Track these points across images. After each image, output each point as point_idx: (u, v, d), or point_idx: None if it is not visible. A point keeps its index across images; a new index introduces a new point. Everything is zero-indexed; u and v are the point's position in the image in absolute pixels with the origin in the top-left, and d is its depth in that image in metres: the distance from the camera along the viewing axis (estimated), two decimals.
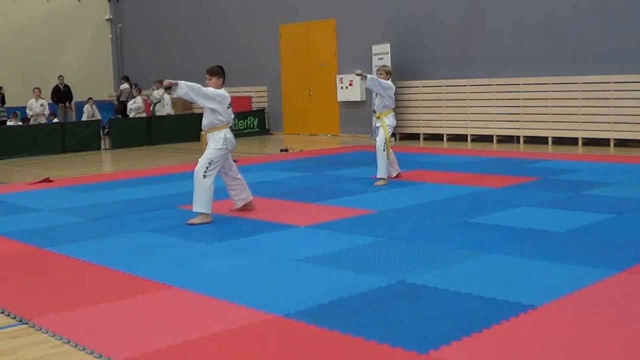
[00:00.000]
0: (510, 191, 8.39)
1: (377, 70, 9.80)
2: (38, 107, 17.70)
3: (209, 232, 6.75)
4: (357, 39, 17.18)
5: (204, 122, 7.32)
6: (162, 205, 8.38)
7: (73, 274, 5.45)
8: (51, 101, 20.77)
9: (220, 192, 7.76)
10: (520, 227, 6.38)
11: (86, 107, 20.91)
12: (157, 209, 8.18)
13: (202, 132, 7.40)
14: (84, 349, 3.83)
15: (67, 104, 21.14)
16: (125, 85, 21.34)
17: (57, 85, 21.30)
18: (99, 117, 19.69)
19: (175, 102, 20.57)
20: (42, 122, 17.26)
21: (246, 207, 7.71)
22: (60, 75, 21.56)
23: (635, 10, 12.83)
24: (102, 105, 21.41)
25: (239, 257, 5.75)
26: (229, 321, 4.15)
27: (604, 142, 13.09)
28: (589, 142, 13.39)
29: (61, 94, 21.19)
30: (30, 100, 18.02)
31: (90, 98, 20.80)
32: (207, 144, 7.30)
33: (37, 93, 17.93)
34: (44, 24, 23.06)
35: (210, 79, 7.33)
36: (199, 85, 7.16)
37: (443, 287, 4.66)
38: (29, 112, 17.92)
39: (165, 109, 19.25)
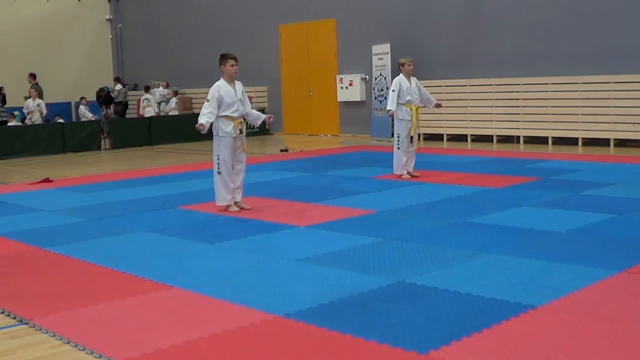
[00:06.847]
0: (510, 191, 8.39)
1: (407, 60, 9.83)
2: (34, 107, 17.68)
3: (209, 232, 6.75)
4: (357, 39, 17.18)
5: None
6: (162, 205, 8.38)
7: (73, 274, 5.44)
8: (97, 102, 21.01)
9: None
10: (520, 227, 6.38)
11: (80, 108, 20.91)
12: (157, 209, 8.18)
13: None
14: (84, 349, 3.83)
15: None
16: (119, 86, 21.37)
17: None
18: (89, 118, 19.71)
19: (185, 100, 20.73)
20: (37, 120, 17.20)
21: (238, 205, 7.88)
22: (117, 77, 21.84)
23: (635, 10, 12.83)
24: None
25: (239, 257, 5.75)
26: (228, 321, 4.15)
27: (604, 142, 13.09)
28: (589, 142, 13.38)
29: (106, 97, 21.33)
30: (27, 100, 18.01)
31: (83, 97, 20.77)
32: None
33: (34, 93, 17.90)
34: (44, 24, 23.02)
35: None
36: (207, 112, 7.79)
37: (443, 287, 4.65)
38: (25, 111, 17.90)
39: (172, 111, 19.44)
